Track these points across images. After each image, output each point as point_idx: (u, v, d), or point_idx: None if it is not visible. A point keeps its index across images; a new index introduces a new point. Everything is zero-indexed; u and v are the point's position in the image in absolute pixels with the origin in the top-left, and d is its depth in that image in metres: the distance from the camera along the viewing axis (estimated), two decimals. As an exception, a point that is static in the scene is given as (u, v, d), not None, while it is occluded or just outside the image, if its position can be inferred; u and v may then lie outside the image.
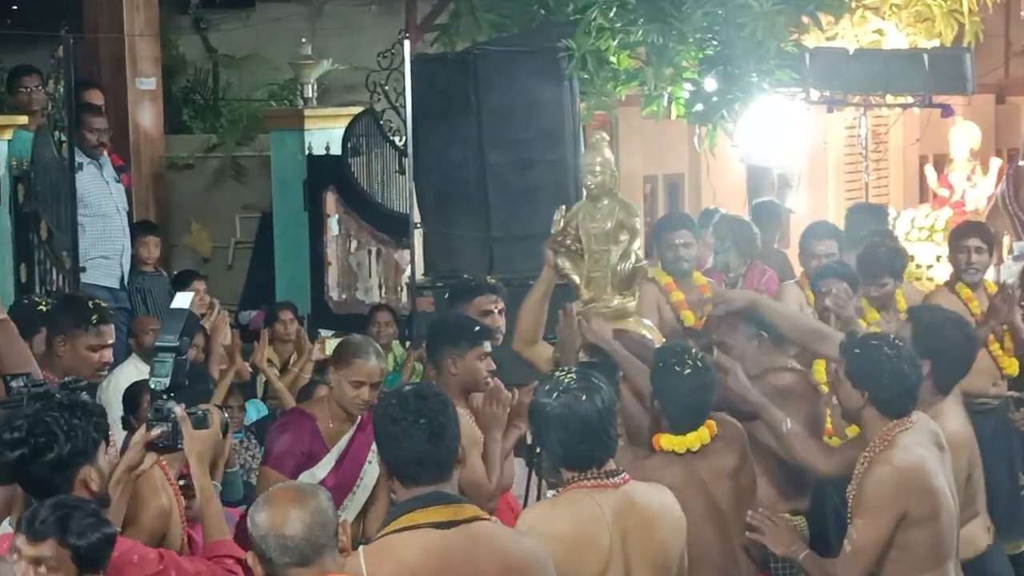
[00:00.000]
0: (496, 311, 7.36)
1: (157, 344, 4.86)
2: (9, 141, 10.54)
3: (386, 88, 11.19)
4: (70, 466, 4.41)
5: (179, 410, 4.79)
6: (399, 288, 11.40)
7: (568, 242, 6.55)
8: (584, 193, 6.77)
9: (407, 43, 10.52)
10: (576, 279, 6.56)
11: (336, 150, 11.58)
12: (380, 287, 11.53)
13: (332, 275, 11.65)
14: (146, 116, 12.45)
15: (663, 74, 10.13)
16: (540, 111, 10.07)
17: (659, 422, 5.80)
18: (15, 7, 14.59)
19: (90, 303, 6.58)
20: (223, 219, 12.96)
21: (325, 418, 6.41)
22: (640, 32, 9.99)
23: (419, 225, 10.57)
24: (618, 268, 6.45)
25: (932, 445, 5.55)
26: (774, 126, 11.01)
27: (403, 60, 10.48)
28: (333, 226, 11.62)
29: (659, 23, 9.96)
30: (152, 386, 4.85)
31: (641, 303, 8.37)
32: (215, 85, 14.93)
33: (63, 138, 9.99)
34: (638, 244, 6.55)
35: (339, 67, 12.99)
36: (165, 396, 4.81)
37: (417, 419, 4.42)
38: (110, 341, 6.61)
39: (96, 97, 11.19)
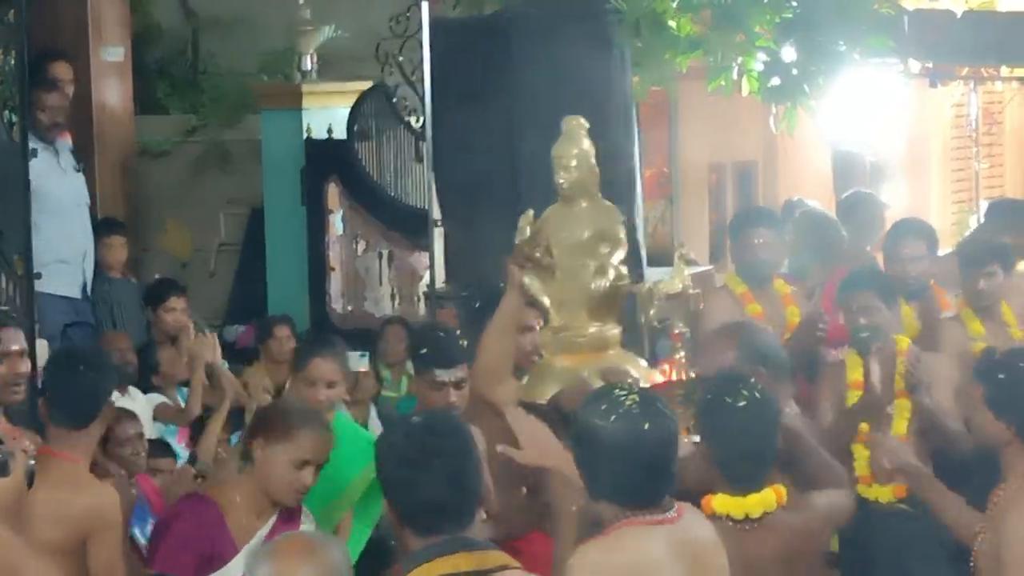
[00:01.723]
0: (538, 327, 7.43)
1: None
2: (-50, 123, 10.64)
3: (400, 59, 11.24)
4: None
5: None
6: (415, 298, 11.45)
7: (538, 255, 6.17)
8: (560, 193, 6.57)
9: (425, 5, 10.56)
10: (546, 301, 6.34)
11: (340, 133, 11.68)
12: (393, 297, 11.59)
13: (335, 283, 11.72)
14: (112, 93, 12.53)
15: (732, 42, 10.14)
16: (584, 87, 10.07)
17: (709, 478, 5.56)
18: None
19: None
20: (205, 216, 13.05)
21: (236, 508, 6.07)
22: (705, -9, 10.04)
23: (439, 223, 10.61)
24: (591, 287, 6.23)
25: None
26: (866, 104, 11.01)
27: (420, 26, 10.53)
28: (336, 224, 11.67)
29: (728, -20, 10.00)
30: None
31: (706, 319, 8.43)
32: (195, 56, 15.04)
33: (14, 119, 10.05)
34: (619, 257, 6.33)
35: (343, 34, 13.04)
36: None
37: (431, 460, 4.44)
38: (14, 348, 6.82)
39: (62, 71, 11.23)
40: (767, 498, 5.47)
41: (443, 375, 6.70)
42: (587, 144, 6.43)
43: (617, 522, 4.83)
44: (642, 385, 5.67)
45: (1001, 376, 5.67)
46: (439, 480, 4.43)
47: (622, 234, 6.39)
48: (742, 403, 5.52)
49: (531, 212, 6.31)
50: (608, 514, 4.87)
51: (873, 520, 7.60)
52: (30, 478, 4.96)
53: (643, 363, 6.21)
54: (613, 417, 4.82)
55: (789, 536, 5.53)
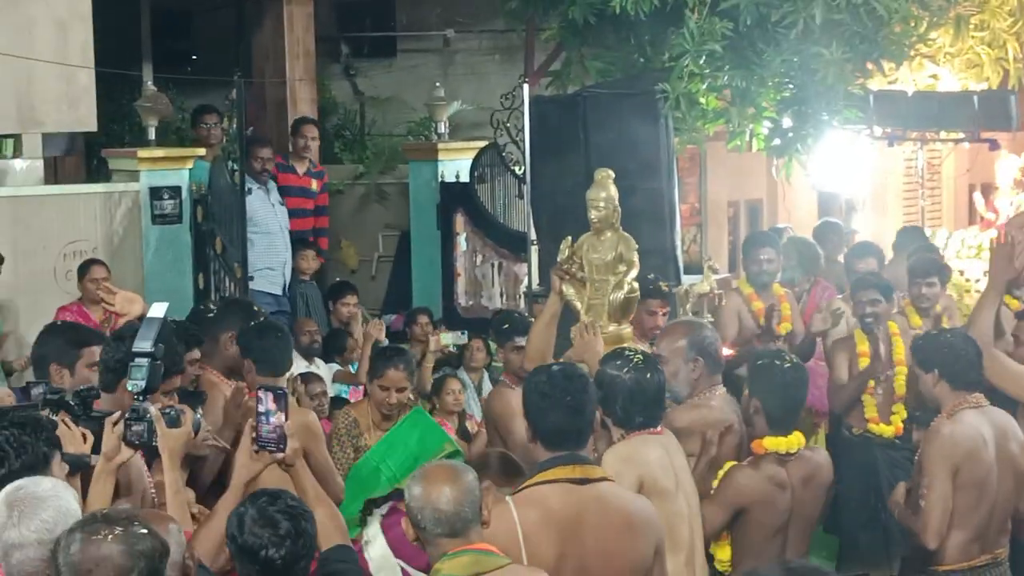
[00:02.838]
0: (660, 313, 7.51)
1: (134, 350, 4.64)
2: (190, 170, 10.75)
3: (508, 125, 11.26)
4: None
5: (154, 410, 4.60)
6: (517, 296, 11.47)
7: (574, 270, 6.19)
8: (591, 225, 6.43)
9: (526, 87, 10.57)
10: (578, 305, 6.21)
11: (465, 178, 11.64)
12: (501, 295, 11.60)
13: (460, 284, 11.73)
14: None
15: (746, 113, 10.09)
16: (639, 145, 10.05)
17: (755, 426, 5.60)
18: (194, 56, 14.86)
19: (254, 307, 6.71)
20: (368, 236, 13.04)
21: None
22: (726, 77, 9.96)
23: (535, 242, 10.63)
24: (611, 298, 6.12)
25: None
26: (842, 158, 10.94)
27: (522, 101, 10.53)
28: (461, 243, 11.69)
29: (743, 69, 9.92)
30: (129, 388, 4.62)
31: (723, 311, 8.44)
32: (362, 122, 15.06)
33: (235, 167, 10.17)
34: (632, 275, 6.21)
35: (467, 107, 13.06)
36: (140, 397, 4.60)
37: (564, 396, 4.50)
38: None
39: (311, 131, 11.35)
40: (799, 437, 5.55)
41: (520, 340, 7.00)
42: (613, 190, 6.25)
43: (628, 436, 5.09)
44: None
45: (921, 343, 5.93)
46: (565, 411, 4.49)
47: (636, 258, 6.22)
48: (788, 366, 5.61)
49: (569, 238, 6.24)
50: (617, 435, 5.13)
51: (874, 448, 7.67)
52: (196, 428, 4.79)
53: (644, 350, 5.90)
54: (626, 369, 5.09)
55: (812, 464, 5.59)
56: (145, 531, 3.33)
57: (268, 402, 4.43)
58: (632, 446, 5.06)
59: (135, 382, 4.58)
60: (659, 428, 5.16)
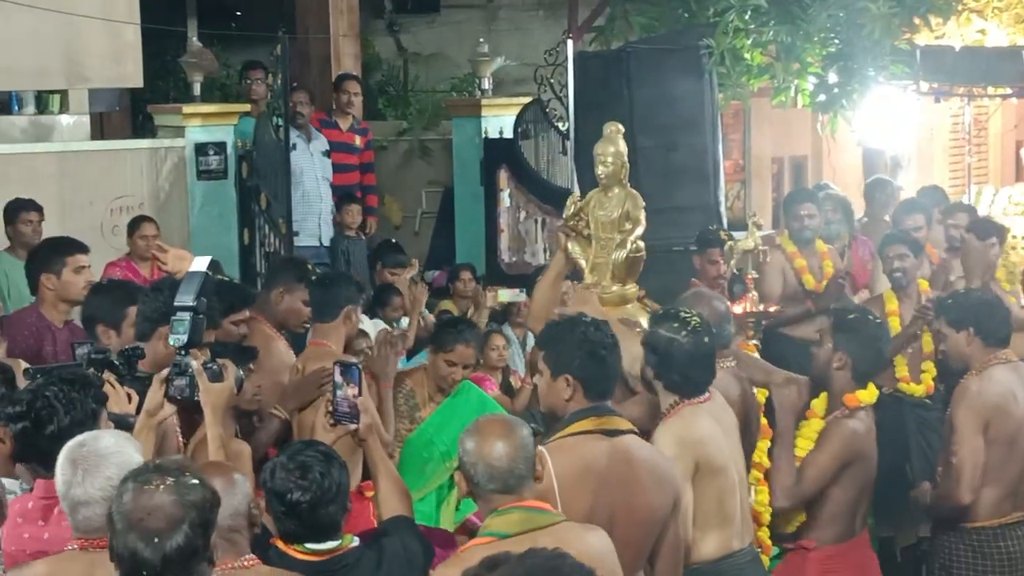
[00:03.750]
0: (722, 260, 7.52)
1: (176, 304, 4.57)
2: (235, 126, 10.81)
3: (551, 81, 11.25)
4: (71, 436, 3.97)
5: (196, 365, 4.54)
6: (560, 252, 11.46)
7: (580, 227, 5.91)
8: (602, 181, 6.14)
9: (570, 42, 10.57)
10: (583, 263, 5.94)
11: (508, 134, 11.60)
12: (544, 251, 11.62)
13: (504, 241, 11.71)
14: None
15: (791, 69, 10.09)
16: (683, 101, 10.07)
17: (837, 381, 5.61)
18: (239, 12, 14.91)
19: (309, 265, 6.75)
20: (411, 193, 13.03)
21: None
22: (771, 32, 9.97)
23: (578, 198, 10.60)
24: (613, 256, 5.84)
25: None
26: (888, 114, 10.90)
27: (566, 57, 10.54)
28: (505, 199, 11.67)
29: (788, 24, 9.92)
30: (171, 343, 4.57)
31: (767, 268, 8.42)
32: (405, 79, 15.09)
33: (280, 123, 10.22)
34: (638, 234, 5.91)
35: (511, 63, 13.05)
36: (183, 352, 4.55)
37: (596, 351, 4.46)
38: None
39: (353, 86, 11.37)
40: (874, 391, 5.62)
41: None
42: (622, 145, 5.97)
43: (679, 405, 4.96)
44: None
45: (951, 302, 5.98)
46: (597, 364, 4.46)
47: (642, 216, 5.90)
48: (877, 320, 5.72)
49: (577, 193, 6.09)
50: (668, 400, 4.99)
51: (905, 407, 7.65)
52: (239, 383, 4.72)
53: (646, 319, 5.72)
54: (684, 332, 4.94)
55: (873, 418, 5.68)
56: (196, 481, 3.34)
57: (341, 375, 4.50)
58: (684, 424, 4.92)
59: (177, 336, 4.54)
60: (707, 395, 5.03)
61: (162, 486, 3.32)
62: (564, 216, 5.98)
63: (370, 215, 11.27)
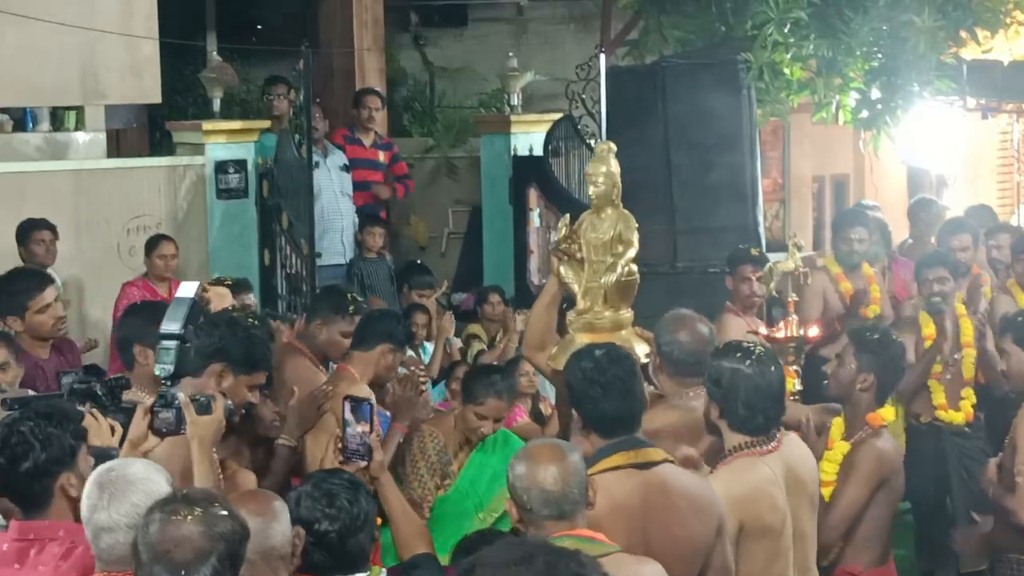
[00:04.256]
0: (755, 278, 7.49)
1: (161, 332, 4.49)
2: (257, 143, 10.85)
3: (583, 97, 11.22)
4: (47, 474, 3.97)
5: (183, 396, 4.42)
6: (593, 273, 11.44)
7: (573, 249, 5.74)
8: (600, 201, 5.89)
9: (602, 57, 10.58)
10: (575, 288, 5.77)
11: (538, 151, 11.59)
12: (575, 273, 11.59)
13: (533, 262, 11.70)
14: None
15: (832, 84, 10.04)
16: (720, 118, 10.03)
17: (861, 401, 5.60)
18: (259, 26, 14.97)
19: (348, 295, 6.78)
20: (438, 212, 13.03)
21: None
22: (812, 46, 9.91)
23: (613, 218, 10.58)
24: (602, 280, 5.66)
25: None
26: (933, 131, 10.86)
27: (598, 72, 10.53)
28: (535, 219, 11.67)
29: (829, 38, 9.87)
30: (157, 373, 4.49)
31: (808, 290, 8.40)
32: (431, 94, 15.08)
33: (302, 140, 10.25)
34: (629, 256, 5.72)
35: (541, 78, 13.06)
36: (169, 383, 4.45)
37: (614, 381, 4.42)
38: None
39: (374, 101, 11.41)
40: (893, 408, 5.71)
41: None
42: (614, 165, 5.79)
43: (738, 453, 4.79)
44: (642, 361, 5.24)
45: (1021, 320, 5.93)
46: (617, 396, 4.41)
47: (635, 238, 5.70)
48: (899, 339, 5.74)
49: (568, 216, 5.84)
50: (732, 442, 4.82)
51: (943, 436, 7.61)
52: (228, 415, 4.57)
53: (644, 347, 5.57)
54: (748, 361, 4.79)
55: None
56: (225, 512, 3.34)
57: (351, 411, 4.47)
58: (734, 478, 4.73)
59: (163, 366, 4.46)
60: (775, 442, 4.84)
61: (190, 517, 3.31)
62: (555, 239, 5.87)
63: (400, 183, 11.42)
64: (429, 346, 8.90)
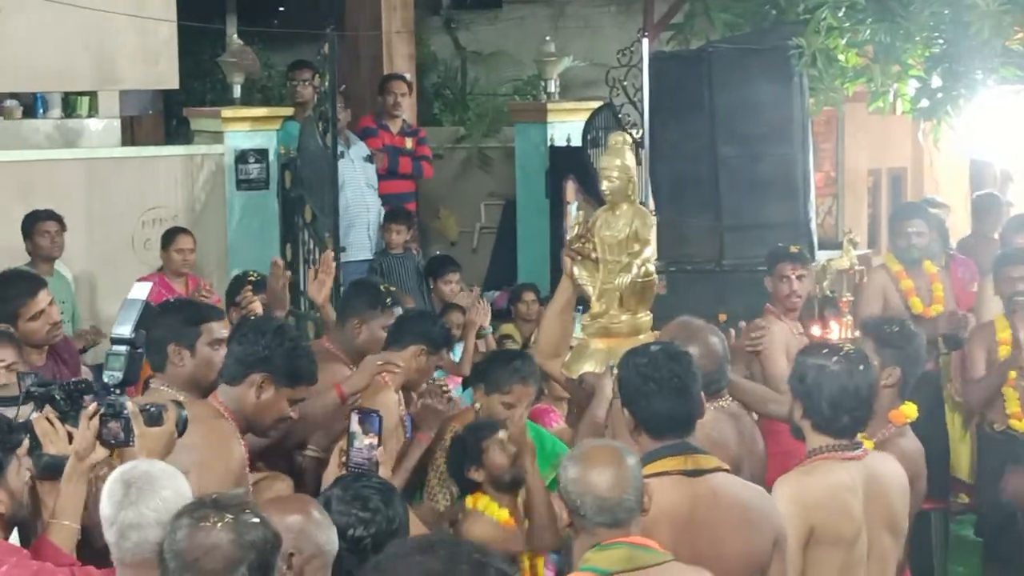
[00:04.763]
0: (795, 276, 7.36)
1: (112, 336, 4.39)
2: (278, 131, 10.77)
3: (624, 84, 11.13)
4: None
5: (131, 406, 4.28)
6: (633, 271, 11.35)
7: (587, 249, 5.71)
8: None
9: (645, 41, 10.47)
10: (590, 290, 5.73)
11: (576, 142, 11.54)
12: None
13: (571, 259, 11.63)
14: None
15: (889, 71, 9.95)
16: (770, 107, 10.04)
17: (883, 397, 5.46)
18: (282, 8, 14.92)
19: (382, 287, 6.61)
20: (470, 206, 13.07)
21: None
22: (868, 31, 9.84)
23: (654, 213, 10.47)
24: (617, 282, 5.62)
25: None
26: (998, 122, 10.74)
27: (641, 57, 10.44)
28: (572, 213, 11.61)
29: (887, 22, 9.78)
30: (105, 380, 4.37)
31: (866, 290, 8.29)
32: (463, 81, 15.08)
33: (327, 128, 10.14)
34: (646, 256, 5.70)
35: (580, 64, 13.02)
36: (117, 391, 4.33)
37: (670, 378, 4.40)
38: None
39: (400, 87, 11.32)
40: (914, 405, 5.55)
41: None
42: (629, 158, 5.81)
43: (819, 454, 4.78)
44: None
45: None
46: (671, 394, 4.38)
47: (651, 235, 5.76)
48: (921, 337, 5.66)
49: (582, 213, 5.91)
50: (814, 444, 4.80)
51: (1019, 446, 7.50)
52: (181, 425, 4.38)
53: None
54: (835, 358, 4.81)
55: None
56: (256, 520, 3.31)
57: (359, 423, 4.45)
58: (808, 481, 4.73)
59: (111, 373, 4.35)
60: (861, 450, 4.84)
61: (220, 524, 3.29)
62: (568, 238, 5.81)
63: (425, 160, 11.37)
64: (460, 349, 8.77)
